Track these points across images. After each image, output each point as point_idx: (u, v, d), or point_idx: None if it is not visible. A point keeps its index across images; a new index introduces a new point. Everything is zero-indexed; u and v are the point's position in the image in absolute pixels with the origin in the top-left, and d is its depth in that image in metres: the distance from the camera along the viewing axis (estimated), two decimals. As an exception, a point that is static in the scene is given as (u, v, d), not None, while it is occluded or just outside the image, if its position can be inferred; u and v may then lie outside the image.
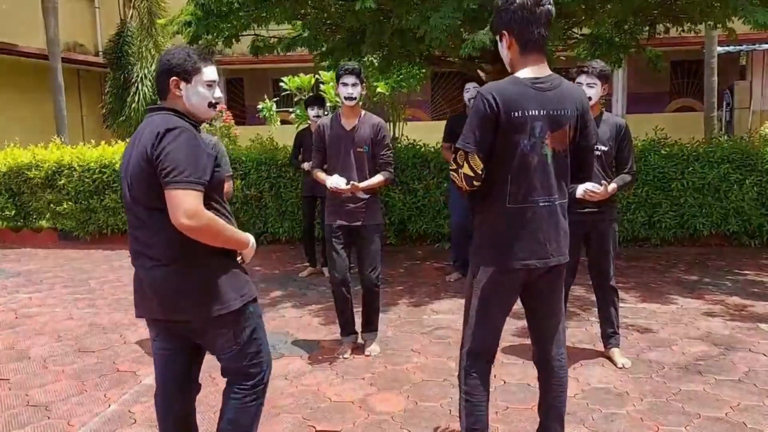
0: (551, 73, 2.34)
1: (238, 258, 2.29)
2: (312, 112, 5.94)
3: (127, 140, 8.75)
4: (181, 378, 2.34)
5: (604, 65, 3.59)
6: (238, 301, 2.21)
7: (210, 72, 2.22)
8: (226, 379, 2.35)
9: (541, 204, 2.31)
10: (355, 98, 3.88)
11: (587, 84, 3.54)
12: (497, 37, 2.40)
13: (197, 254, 2.12)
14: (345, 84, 3.86)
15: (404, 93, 12.50)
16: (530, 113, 2.25)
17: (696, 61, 14.56)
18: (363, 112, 3.99)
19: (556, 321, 2.50)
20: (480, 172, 2.27)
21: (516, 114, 2.24)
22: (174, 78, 2.18)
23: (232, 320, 2.21)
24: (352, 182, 3.81)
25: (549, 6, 2.28)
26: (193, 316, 2.18)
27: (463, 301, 5.23)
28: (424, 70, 9.68)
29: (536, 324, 2.52)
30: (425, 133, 8.56)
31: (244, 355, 2.27)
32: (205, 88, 2.21)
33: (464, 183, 2.31)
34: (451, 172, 2.35)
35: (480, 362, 2.45)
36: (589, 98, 3.53)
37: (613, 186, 3.57)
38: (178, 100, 2.20)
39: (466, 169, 2.27)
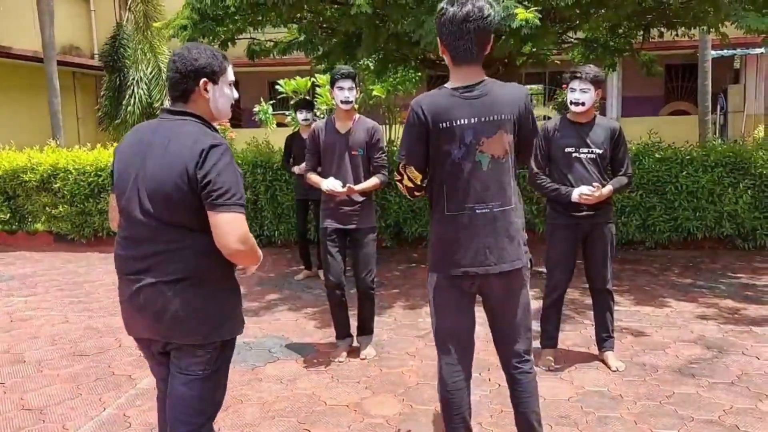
0: (484, 78, 2.31)
1: (240, 269, 2.12)
2: (301, 116, 6.00)
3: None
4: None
5: (597, 70, 3.60)
6: (239, 329, 2.11)
7: (231, 70, 2.13)
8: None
9: (477, 211, 2.30)
10: (351, 102, 3.90)
11: (580, 89, 3.56)
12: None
13: (213, 273, 2.02)
14: (341, 88, 3.88)
15: (400, 96, 12.55)
16: (458, 122, 2.26)
17: (690, 65, 14.64)
18: (357, 115, 4.02)
19: (513, 326, 2.43)
20: (419, 183, 2.37)
21: (443, 124, 2.26)
22: (204, 79, 2.03)
23: (221, 345, 2.06)
24: (348, 185, 3.83)
25: (479, 22, 2.21)
26: (195, 337, 2.01)
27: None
28: (419, 74, 9.71)
29: (493, 329, 2.51)
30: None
31: (208, 382, 2.07)
32: (229, 88, 2.12)
33: (406, 193, 2.45)
34: (396, 182, 2.46)
35: (450, 364, 2.46)
36: (583, 103, 3.56)
37: (608, 188, 3.60)
38: (202, 103, 2.05)
39: (406, 181, 2.39)
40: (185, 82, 2.03)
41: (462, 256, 2.32)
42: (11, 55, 13.10)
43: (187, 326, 2.00)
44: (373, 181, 3.94)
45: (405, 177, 2.37)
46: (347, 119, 3.95)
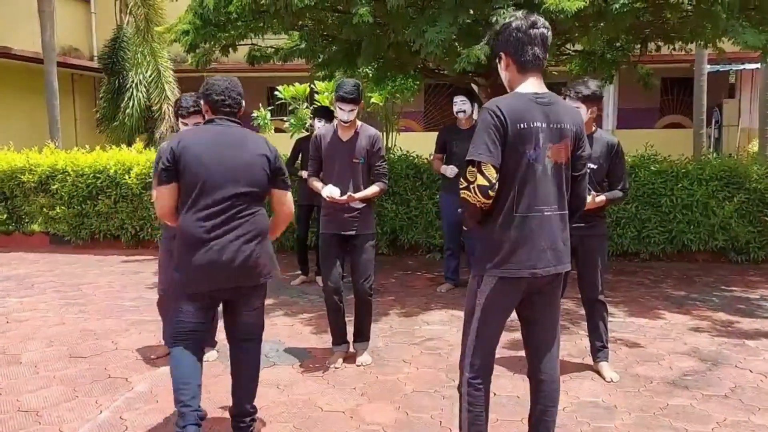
0: (549, 91, 2.46)
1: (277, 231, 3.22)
2: (319, 124, 5.80)
3: (122, 146, 8.73)
4: (201, 338, 2.97)
5: (590, 89, 3.59)
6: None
7: None
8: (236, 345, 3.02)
9: (546, 213, 2.39)
10: (350, 121, 3.94)
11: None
12: (497, 59, 2.51)
13: (268, 232, 2.97)
14: (342, 109, 3.90)
15: (398, 104, 12.60)
16: (534, 124, 2.35)
17: (686, 79, 14.75)
18: (360, 123, 4.05)
19: (552, 334, 2.54)
20: (494, 181, 2.32)
21: (522, 125, 2.33)
22: (243, 101, 3.03)
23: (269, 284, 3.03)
24: (348, 193, 3.86)
25: (544, 29, 2.41)
26: (265, 278, 2.93)
27: (454, 311, 5.25)
28: (418, 82, 9.77)
29: (532, 336, 2.56)
30: (418, 143, 8.63)
31: (262, 308, 3.04)
32: None
33: (480, 196, 2.32)
34: (463, 193, 2.37)
35: (482, 373, 2.49)
36: None
37: (601, 198, 3.64)
38: (240, 117, 3.00)
39: (480, 180, 2.31)
40: (240, 104, 2.97)
41: (528, 257, 2.37)
42: (10, 55, 13.09)
43: (261, 270, 2.90)
44: (374, 189, 3.98)
45: (479, 177, 2.31)
46: (349, 127, 3.99)
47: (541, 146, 2.36)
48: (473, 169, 2.33)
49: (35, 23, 12.23)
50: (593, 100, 3.61)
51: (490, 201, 2.35)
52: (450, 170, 5.66)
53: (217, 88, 2.91)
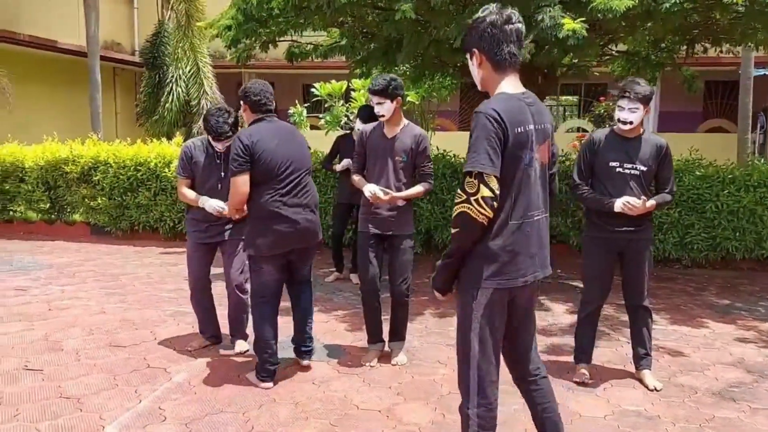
0: (525, 89, 2.36)
1: None
2: (359, 125, 5.76)
3: (163, 139, 8.88)
4: (279, 296, 3.79)
5: (646, 89, 3.51)
6: None
7: None
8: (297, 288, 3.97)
9: (536, 218, 2.31)
10: (383, 115, 3.91)
11: (629, 108, 3.50)
12: (468, 55, 2.37)
13: None
14: (373, 102, 3.92)
15: (434, 103, 12.52)
16: (529, 128, 2.25)
17: (730, 82, 14.37)
18: (406, 122, 4.00)
19: (533, 333, 2.49)
20: (498, 192, 2.15)
21: (519, 129, 2.21)
22: None
23: None
24: (390, 193, 3.82)
25: (519, 24, 2.27)
26: (319, 238, 3.79)
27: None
28: (455, 81, 9.68)
29: (516, 342, 2.46)
30: (453, 142, 8.55)
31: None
32: None
33: (486, 208, 2.14)
34: (462, 207, 2.15)
35: (491, 413, 2.31)
36: (631, 122, 3.52)
37: (651, 202, 3.54)
38: None
39: (484, 191, 2.13)
40: (273, 101, 3.71)
41: (524, 264, 2.28)
42: (56, 48, 13.42)
43: (318, 232, 3.78)
44: (418, 188, 3.94)
45: (484, 188, 2.13)
46: (394, 125, 3.95)
47: (534, 150, 2.26)
48: (473, 180, 2.14)
49: (79, 18, 12.52)
50: (648, 100, 3.53)
51: (493, 214, 2.17)
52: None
53: (254, 90, 3.65)
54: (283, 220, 3.56)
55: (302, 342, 3.97)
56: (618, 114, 3.57)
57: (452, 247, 2.26)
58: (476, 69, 2.35)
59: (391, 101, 3.85)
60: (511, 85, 2.30)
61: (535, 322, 2.51)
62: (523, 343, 2.46)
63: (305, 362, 3.96)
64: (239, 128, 3.99)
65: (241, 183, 3.51)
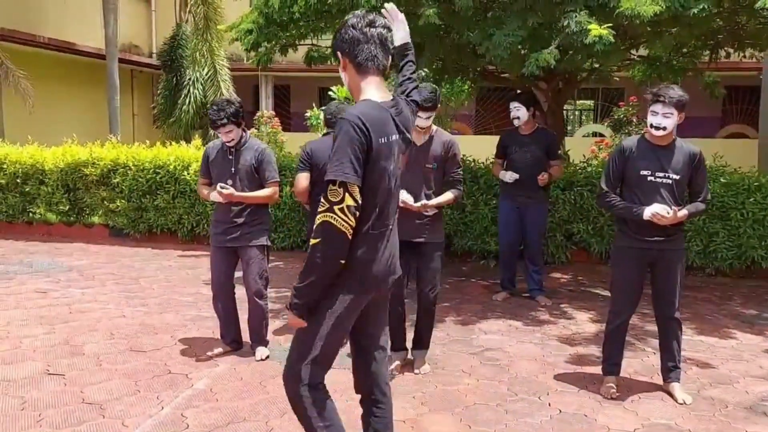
0: (393, 96, 2.38)
1: None
2: None
3: (182, 142, 8.93)
4: None
5: (681, 93, 3.42)
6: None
7: None
8: None
9: (390, 227, 2.34)
10: (425, 127, 3.87)
11: (663, 113, 3.41)
12: (336, 59, 2.37)
13: None
14: (420, 116, 3.76)
15: (451, 107, 12.49)
16: (392, 138, 2.24)
17: (750, 87, 14.18)
18: (435, 128, 3.96)
19: (384, 345, 2.50)
20: (360, 202, 2.13)
21: (383, 139, 2.18)
22: None
23: None
24: (422, 201, 3.77)
25: (382, 29, 2.25)
26: None
27: (512, 321, 5.14)
28: (473, 86, 9.64)
29: (367, 352, 2.51)
30: (469, 147, 8.46)
31: None
32: None
33: (350, 217, 2.10)
34: (325, 216, 2.09)
35: (322, 375, 2.41)
36: (664, 128, 3.43)
37: (683, 212, 3.45)
38: None
39: (348, 201, 2.09)
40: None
41: (381, 271, 2.31)
42: (75, 51, 13.53)
43: None
44: (448, 196, 3.89)
45: (348, 198, 2.09)
46: (424, 132, 3.91)
47: (397, 159, 2.26)
48: (337, 188, 2.09)
49: (98, 20, 12.61)
50: (683, 105, 3.44)
51: (355, 224, 2.13)
52: (509, 176, 5.54)
53: (328, 110, 4.32)
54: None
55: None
56: (651, 119, 3.47)
57: (312, 262, 2.14)
58: (342, 73, 2.34)
59: (435, 112, 3.84)
60: (376, 90, 2.27)
61: (386, 319, 2.55)
62: (373, 350, 2.51)
63: None
64: (242, 119, 4.05)
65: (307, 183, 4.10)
